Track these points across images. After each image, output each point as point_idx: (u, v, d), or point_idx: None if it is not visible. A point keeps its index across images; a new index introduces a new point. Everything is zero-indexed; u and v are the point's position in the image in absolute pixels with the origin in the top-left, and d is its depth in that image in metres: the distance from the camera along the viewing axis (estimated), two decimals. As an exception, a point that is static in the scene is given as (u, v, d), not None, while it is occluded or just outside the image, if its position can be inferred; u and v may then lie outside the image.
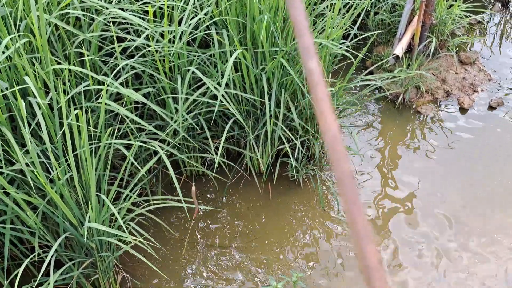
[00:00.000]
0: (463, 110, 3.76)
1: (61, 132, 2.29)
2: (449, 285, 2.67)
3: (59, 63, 2.57)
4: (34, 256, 2.30)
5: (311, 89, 0.53)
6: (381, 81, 3.43)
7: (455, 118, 3.70)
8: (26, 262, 2.22)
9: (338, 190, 0.51)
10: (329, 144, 0.50)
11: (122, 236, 2.37)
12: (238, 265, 2.79)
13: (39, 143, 2.41)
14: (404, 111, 3.74)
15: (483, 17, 4.62)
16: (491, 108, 3.77)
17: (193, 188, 2.62)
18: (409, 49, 3.88)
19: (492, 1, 4.83)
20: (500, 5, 4.81)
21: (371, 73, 3.79)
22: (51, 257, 2.22)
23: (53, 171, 2.25)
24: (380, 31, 4.04)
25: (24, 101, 2.17)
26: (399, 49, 3.75)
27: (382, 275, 0.46)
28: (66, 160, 2.37)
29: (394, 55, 3.79)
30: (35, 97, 2.28)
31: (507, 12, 4.78)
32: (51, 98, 2.35)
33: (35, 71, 2.36)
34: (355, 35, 3.50)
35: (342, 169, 0.49)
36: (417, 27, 3.71)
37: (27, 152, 2.33)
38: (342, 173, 0.49)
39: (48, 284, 2.23)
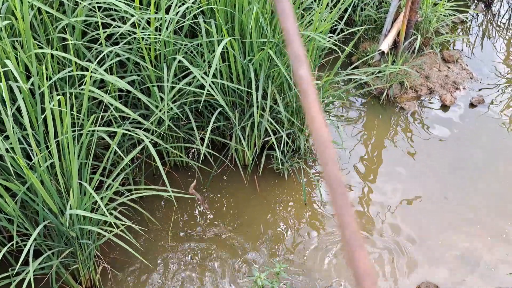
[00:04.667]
0: (445, 107, 3.81)
1: (42, 117, 2.24)
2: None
3: (41, 48, 2.50)
4: (12, 245, 2.24)
5: (301, 95, 0.53)
6: (366, 75, 3.44)
7: (437, 114, 3.75)
8: (3, 251, 2.16)
9: (328, 194, 0.50)
10: (319, 149, 0.50)
11: (104, 223, 2.33)
12: (221, 256, 2.78)
13: (19, 129, 2.35)
14: (388, 106, 3.77)
15: (467, 16, 4.68)
16: (472, 105, 3.83)
17: (192, 184, 2.84)
18: (394, 45, 3.91)
19: (476, 1, 4.90)
20: (483, 5, 4.88)
21: (356, 68, 3.81)
22: (30, 245, 2.17)
23: (34, 157, 2.19)
24: (366, 27, 4.06)
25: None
26: (385, 45, 3.77)
27: (373, 280, 0.46)
28: (48, 147, 2.31)
29: (380, 51, 3.81)
30: (16, 81, 2.21)
31: (490, 13, 4.86)
32: (32, 83, 2.29)
33: (16, 55, 2.29)
34: (342, 30, 3.50)
35: (332, 173, 0.49)
36: (402, 24, 3.73)
37: (7, 137, 2.26)
38: (331, 178, 0.49)
39: (27, 273, 2.18)
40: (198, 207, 3.01)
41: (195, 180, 2.92)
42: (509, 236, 2.93)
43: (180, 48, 2.74)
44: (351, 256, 0.46)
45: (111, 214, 2.48)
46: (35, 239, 2.29)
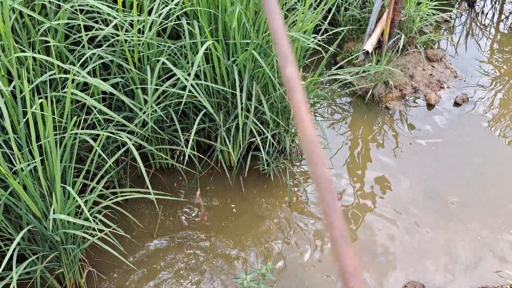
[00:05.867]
0: (430, 106, 3.84)
1: (24, 120, 2.22)
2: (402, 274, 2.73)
3: (23, 51, 2.48)
4: (-4, 249, 2.23)
5: (289, 94, 0.53)
6: (351, 75, 3.46)
7: (422, 114, 3.78)
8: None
9: (316, 193, 0.50)
10: (307, 148, 0.50)
11: (89, 227, 2.31)
12: (207, 258, 2.78)
13: (1, 133, 2.33)
14: (373, 106, 3.79)
15: (451, 15, 4.73)
16: (456, 104, 3.87)
17: (198, 193, 2.74)
18: (379, 45, 3.93)
19: (459, 0, 4.95)
20: (466, 4, 4.93)
21: (341, 68, 3.83)
22: (13, 250, 2.15)
23: (16, 161, 2.17)
24: (350, 27, 4.08)
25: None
26: (369, 44, 3.79)
27: (359, 279, 0.46)
28: (30, 151, 2.29)
29: (364, 51, 3.84)
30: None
31: (473, 11, 4.91)
32: (14, 87, 2.27)
33: (-3, 58, 2.27)
34: (326, 30, 3.52)
35: (320, 172, 0.49)
36: (386, 24, 3.76)
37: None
38: (319, 177, 0.49)
39: (11, 278, 2.16)
40: (192, 212, 3.00)
41: (199, 190, 2.87)
42: (499, 235, 2.96)
43: (164, 50, 2.74)
44: (338, 254, 0.46)
45: (95, 217, 2.47)
46: (18, 244, 2.27)
